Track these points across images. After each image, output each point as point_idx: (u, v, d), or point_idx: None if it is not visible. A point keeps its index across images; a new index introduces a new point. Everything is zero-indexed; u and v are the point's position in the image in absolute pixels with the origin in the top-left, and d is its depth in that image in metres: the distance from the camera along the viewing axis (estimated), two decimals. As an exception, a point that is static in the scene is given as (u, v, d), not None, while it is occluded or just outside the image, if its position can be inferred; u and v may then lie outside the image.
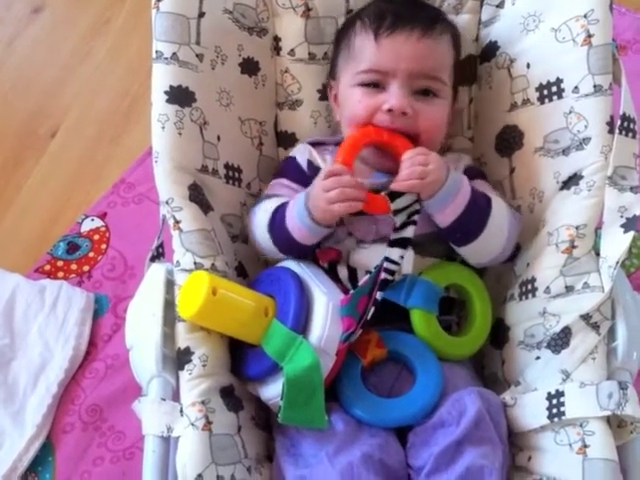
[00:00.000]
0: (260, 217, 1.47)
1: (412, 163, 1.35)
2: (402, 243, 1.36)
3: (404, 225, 1.36)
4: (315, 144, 1.57)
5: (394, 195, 1.35)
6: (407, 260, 1.39)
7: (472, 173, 1.51)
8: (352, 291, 1.34)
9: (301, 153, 1.56)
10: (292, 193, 1.49)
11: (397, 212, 1.34)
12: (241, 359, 1.37)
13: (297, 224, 1.39)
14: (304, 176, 1.52)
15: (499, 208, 1.41)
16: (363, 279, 1.36)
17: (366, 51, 1.46)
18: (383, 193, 1.35)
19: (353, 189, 1.33)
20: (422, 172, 1.34)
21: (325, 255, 1.46)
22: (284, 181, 1.55)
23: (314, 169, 1.51)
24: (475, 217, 1.39)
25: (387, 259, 1.36)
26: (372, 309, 1.34)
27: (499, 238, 1.42)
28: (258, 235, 1.47)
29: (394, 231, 1.37)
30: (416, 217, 1.36)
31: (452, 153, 1.61)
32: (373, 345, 1.38)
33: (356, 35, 1.49)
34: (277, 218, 1.43)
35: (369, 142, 1.40)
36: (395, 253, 1.36)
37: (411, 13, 1.45)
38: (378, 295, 1.35)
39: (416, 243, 1.40)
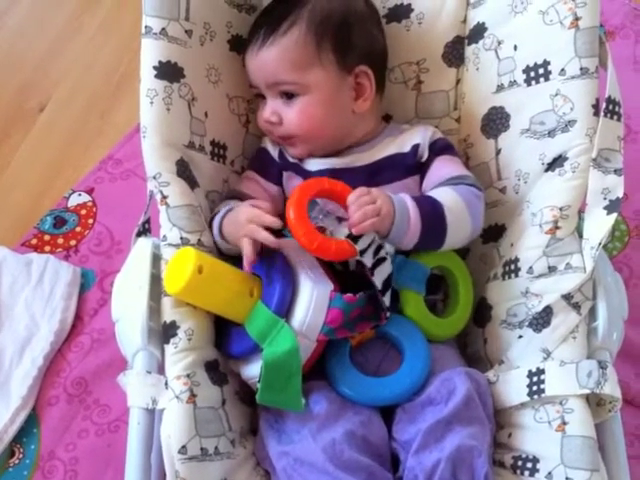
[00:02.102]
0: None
1: (359, 205, 1.32)
2: (387, 284, 1.35)
3: (377, 264, 1.34)
4: None
5: (354, 238, 1.31)
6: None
7: (439, 147, 1.53)
8: (359, 294, 1.32)
9: (271, 144, 1.58)
10: (256, 187, 1.53)
11: (363, 252, 1.32)
12: (225, 336, 1.37)
13: (215, 231, 1.44)
14: (274, 166, 1.55)
15: (452, 207, 1.40)
16: (357, 295, 1.33)
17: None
18: (344, 237, 1.32)
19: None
20: (374, 210, 1.32)
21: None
22: (251, 174, 1.57)
23: (284, 158, 1.55)
24: (433, 231, 1.39)
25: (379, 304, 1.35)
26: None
27: (463, 228, 1.43)
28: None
29: (371, 275, 1.33)
30: (383, 252, 1.34)
31: (418, 125, 1.60)
32: (361, 324, 1.39)
33: None
34: (210, 224, 1.46)
35: (312, 196, 1.35)
36: (387, 298, 1.35)
37: (258, 22, 1.55)
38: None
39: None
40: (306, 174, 1.51)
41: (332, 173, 1.46)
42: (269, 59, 1.48)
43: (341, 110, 1.51)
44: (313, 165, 1.53)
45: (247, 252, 1.33)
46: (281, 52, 1.47)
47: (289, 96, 1.49)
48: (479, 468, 1.23)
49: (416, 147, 1.51)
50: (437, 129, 1.59)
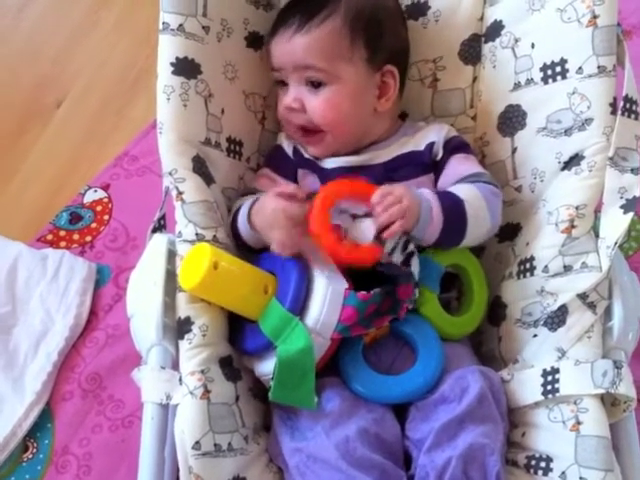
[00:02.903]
0: (229, 215, 1.49)
1: (385, 207, 1.32)
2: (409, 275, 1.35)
3: (407, 260, 1.34)
4: None
5: (380, 239, 1.32)
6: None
7: (454, 145, 1.52)
8: (374, 291, 1.32)
9: (287, 141, 1.58)
10: (272, 185, 1.51)
11: (392, 252, 1.32)
12: (239, 332, 1.37)
13: (245, 229, 1.42)
14: (289, 163, 1.55)
15: (472, 202, 1.41)
16: (372, 292, 1.33)
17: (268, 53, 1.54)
18: (372, 242, 1.32)
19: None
20: (400, 210, 1.32)
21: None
22: (266, 171, 1.57)
23: (300, 156, 1.54)
24: (454, 227, 1.39)
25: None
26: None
27: (482, 227, 1.43)
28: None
29: (407, 267, 1.34)
30: (411, 246, 1.34)
31: (433, 123, 1.60)
32: (375, 322, 1.39)
33: None
34: (234, 216, 1.46)
35: (334, 203, 1.35)
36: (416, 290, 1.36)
37: (292, 12, 1.51)
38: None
39: None
40: (321, 171, 1.51)
41: (347, 171, 1.47)
42: (304, 44, 1.46)
43: (364, 107, 1.51)
44: (328, 163, 1.52)
45: (280, 238, 1.33)
46: (317, 40, 1.47)
47: (315, 85, 1.48)
48: (491, 466, 1.23)
49: (431, 145, 1.51)
50: (452, 127, 1.59)
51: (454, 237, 1.41)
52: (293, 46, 1.47)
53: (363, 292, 1.31)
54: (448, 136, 1.54)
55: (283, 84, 1.53)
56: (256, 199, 1.43)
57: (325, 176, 1.48)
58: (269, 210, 1.35)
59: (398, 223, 1.31)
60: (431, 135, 1.53)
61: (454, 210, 1.39)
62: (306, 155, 1.54)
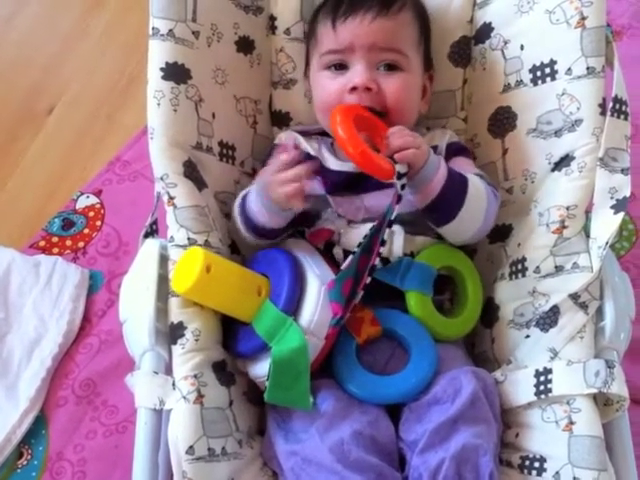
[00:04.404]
0: (235, 205, 1.48)
1: (401, 135, 1.35)
2: (389, 224, 1.35)
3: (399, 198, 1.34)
4: (299, 132, 1.59)
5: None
6: (397, 239, 1.40)
7: (455, 149, 1.53)
8: (334, 277, 1.34)
9: (287, 139, 1.57)
10: None
11: (399, 178, 1.33)
12: (232, 335, 1.38)
13: (258, 205, 1.40)
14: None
15: (476, 186, 1.41)
16: (346, 261, 1.35)
17: (326, 36, 1.50)
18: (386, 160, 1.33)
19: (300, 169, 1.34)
20: (414, 141, 1.34)
21: (319, 236, 1.45)
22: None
23: (303, 153, 1.52)
24: (453, 195, 1.38)
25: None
26: (361, 293, 1.34)
27: (477, 216, 1.42)
28: (237, 223, 1.47)
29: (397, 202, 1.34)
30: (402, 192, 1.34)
31: (436, 129, 1.61)
32: (367, 323, 1.39)
33: (318, 24, 1.53)
34: (244, 203, 1.44)
35: (354, 116, 1.36)
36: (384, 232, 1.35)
37: None
38: (368, 279, 1.34)
39: (404, 221, 1.40)
40: (325, 171, 1.50)
41: (351, 174, 1.46)
42: (390, 27, 1.46)
43: (419, 102, 1.54)
44: (334, 164, 1.51)
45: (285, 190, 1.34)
46: (401, 25, 1.48)
47: (389, 68, 1.47)
48: (484, 467, 1.23)
49: (434, 148, 1.50)
50: (453, 133, 1.60)
51: (449, 207, 1.39)
52: (376, 28, 1.45)
53: (329, 281, 1.33)
54: (450, 140, 1.55)
55: (335, 68, 1.49)
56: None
57: (329, 177, 1.49)
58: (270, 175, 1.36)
59: (412, 150, 1.33)
60: (435, 139, 1.54)
61: (457, 179, 1.39)
62: (312, 152, 1.53)
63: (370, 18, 1.45)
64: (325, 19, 1.50)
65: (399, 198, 1.33)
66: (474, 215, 1.41)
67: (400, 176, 1.32)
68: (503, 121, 1.54)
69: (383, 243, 1.34)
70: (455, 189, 1.39)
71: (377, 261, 1.34)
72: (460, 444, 1.24)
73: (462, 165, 1.49)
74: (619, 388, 1.28)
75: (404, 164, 1.33)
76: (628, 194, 1.35)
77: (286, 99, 1.69)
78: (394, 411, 1.36)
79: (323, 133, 1.56)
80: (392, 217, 1.33)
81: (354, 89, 1.44)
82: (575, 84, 1.40)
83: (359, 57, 1.46)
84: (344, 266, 1.34)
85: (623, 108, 1.38)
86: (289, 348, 1.28)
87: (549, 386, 1.30)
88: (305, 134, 1.58)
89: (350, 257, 1.35)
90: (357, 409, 1.32)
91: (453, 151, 1.53)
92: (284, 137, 1.59)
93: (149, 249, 1.42)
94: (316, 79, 1.53)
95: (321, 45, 1.51)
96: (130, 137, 2.28)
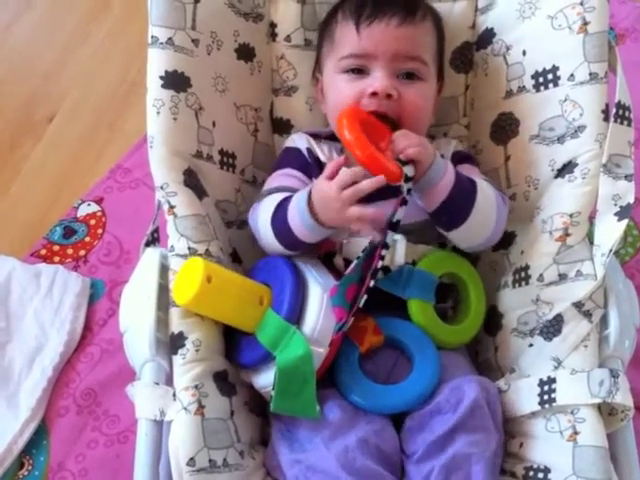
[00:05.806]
0: (263, 212, 1.43)
1: (407, 136, 1.35)
2: (392, 227, 1.34)
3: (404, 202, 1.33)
4: (310, 135, 1.57)
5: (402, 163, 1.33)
6: (399, 247, 1.39)
7: (460, 157, 1.52)
8: (337, 282, 1.33)
9: (300, 142, 1.55)
10: (300, 184, 1.47)
11: (406, 181, 1.31)
12: (235, 346, 1.37)
13: (298, 223, 1.35)
14: (308, 165, 1.51)
15: (485, 191, 1.40)
16: (350, 267, 1.34)
17: (347, 39, 1.47)
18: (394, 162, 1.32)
19: (368, 182, 1.29)
20: (420, 142, 1.34)
21: (320, 247, 1.44)
22: (291, 171, 1.51)
23: (314, 157, 1.51)
24: (461, 198, 1.37)
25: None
26: (364, 297, 1.32)
27: (487, 220, 1.41)
28: (262, 231, 1.43)
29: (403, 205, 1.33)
30: (407, 196, 1.33)
31: (440, 138, 1.61)
32: (370, 332, 1.38)
33: (338, 25, 1.50)
34: (280, 213, 1.39)
35: (359, 120, 1.35)
36: (387, 236, 1.34)
37: (391, 1, 1.46)
38: (371, 283, 1.33)
39: (408, 231, 1.39)
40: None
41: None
42: (414, 35, 1.45)
43: (431, 113, 1.54)
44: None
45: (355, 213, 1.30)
46: (424, 34, 1.48)
47: (409, 77, 1.46)
48: (474, 475, 1.23)
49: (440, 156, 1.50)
50: (458, 142, 1.60)
51: (455, 213, 1.38)
52: (401, 34, 1.44)
53: (332, 286, 1.32)
54: (456, 149, 1.55)
55: (353, 72, 1.47)
56: (309, 193, 1.36)
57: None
58: (333, 192, 1.31)
59: (417, 148, 1.32)
60: (440, 149, 1.51)
61: (466, 182, 1.39)
62: (323, 158, 1.51)
63: (396, 24, 1.44)
64: (347, 20, 1.48)
65: (404, 201, 1.32)
66: (484, 219, 1.41)
67: (407, 179, 1.31)
68: (505, 127, 1.54)
69: (386, 246, 1.34)
70: (464, 192, 1.38)
71: (380, 264, 1.33)
72: (452, 453, 1.24)
73: (468, 172, 1.47)
74: (624, 398, 1.27)
75: (411, 166, 1.32)
76: (632, 201, 1.34)
77: (287, 106, 1.69)
78: (398, 421, 1.35)
79: (333, 137, 1.52)
80: (395, 219, 1.32)
81: (374, 94, 1.42)
82: (578, 90, 1.40)
83: (381, 64, 1.44)
84: (348, 271, 1.34)
85: (626, 114, 1.38)
86: (294, 356, 1.27)
87: (553, 395, 1.29)
88: (316, 137, 1.56)
89: (354, 262, 1.34)
90: (363, 419, 1.32)
91: (459, 159, 1.52)
92: (296, 139, 1.57)
93: (149, 258, 1.42)
94: (332, 81, 1.51)
95: (341, 48, 1.49)
96: (131, 145, 2.28)
